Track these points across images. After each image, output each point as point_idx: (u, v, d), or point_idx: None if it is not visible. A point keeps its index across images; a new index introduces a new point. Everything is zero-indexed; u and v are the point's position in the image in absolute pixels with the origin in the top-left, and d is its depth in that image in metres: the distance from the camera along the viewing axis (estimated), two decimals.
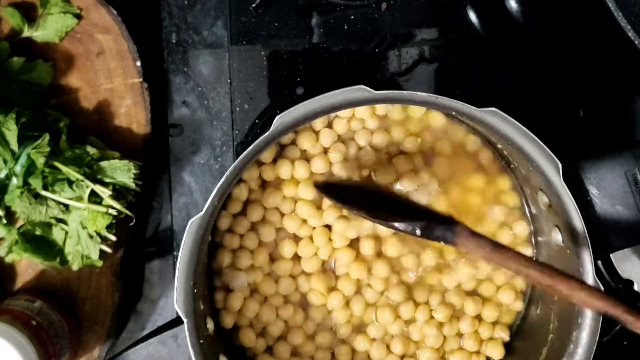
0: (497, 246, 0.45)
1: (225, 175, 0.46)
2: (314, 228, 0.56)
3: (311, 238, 0.56)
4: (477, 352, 0.58)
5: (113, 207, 0.55)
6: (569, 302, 0.51)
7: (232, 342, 0.57)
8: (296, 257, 0.57)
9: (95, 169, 0.55)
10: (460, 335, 0.58)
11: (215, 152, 0.62)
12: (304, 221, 0.56)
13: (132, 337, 0.62)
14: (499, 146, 0.56)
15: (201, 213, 0.46)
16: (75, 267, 0.56)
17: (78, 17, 0.58)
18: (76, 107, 0.59)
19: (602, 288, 0.48)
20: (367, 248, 0.56)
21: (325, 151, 0.56)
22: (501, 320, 0.59)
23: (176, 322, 0.50)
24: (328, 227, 0.56)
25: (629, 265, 0.62)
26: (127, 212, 0.56)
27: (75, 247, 0.56)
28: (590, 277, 0.48)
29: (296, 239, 0.56)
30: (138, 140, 0.59)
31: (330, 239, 0.56)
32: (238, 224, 0.55)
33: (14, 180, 0.54)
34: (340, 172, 0.56)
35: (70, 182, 0.55)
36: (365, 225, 0.56)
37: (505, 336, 0.58)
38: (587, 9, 0.54)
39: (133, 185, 0.56)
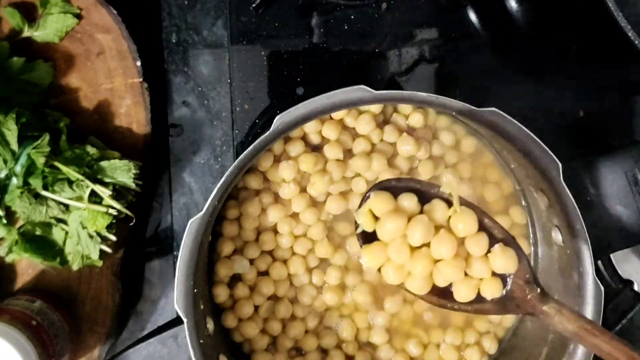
0: (586, 323, 0.42)
1: (225, 175, 0.46)
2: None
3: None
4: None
5: (113, 207, 0.55)
6: (569, 302, 0.51)
7: (232, 342, 0.57)
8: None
9: (95, 169, 0.55)
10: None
11: (215, 152, 0.62)
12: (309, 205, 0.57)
13: (132, 337, 0.62)
14: (499, 146, 0.56)
15: (201, 213, 0.46)
16: (75, 267, 0.56)
17: (78, 17, 0.58)
18: (76, 107, 0.59)
19: (602, 288, 0.48)
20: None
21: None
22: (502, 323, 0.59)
23: (176, 322, 0.50)
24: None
25: (629, 265, 0.62)
26: (127, 212, 0.56)
27: (75, 247, 0.56)
28: (590, 277, 0.48)
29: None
30: (138, 140, 0.59)
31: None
32: (248, 210, 0.56)
33: (14, 180, 0.54)
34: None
35: (70, 182, 0.55)
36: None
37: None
38: (587, 8, 0.54)
39: (133, 185, 0.56)
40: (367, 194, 0.44)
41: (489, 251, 0.43)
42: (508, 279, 0.43)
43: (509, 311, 0.44)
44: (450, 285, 0.44)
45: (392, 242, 0.43)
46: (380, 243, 0.43)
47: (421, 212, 0.43)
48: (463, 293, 0.43)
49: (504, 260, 0.42)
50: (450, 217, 0.43)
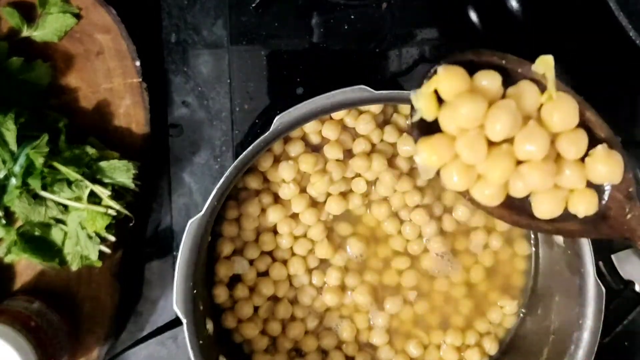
0: None
1: (225, 175, 0.46)
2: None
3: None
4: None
5: (112, 208, 0.55)
6: (569, 303, 0.51)
7: (231, 343, 0.57)
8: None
9: (94, 169, 0.55)
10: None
11: (215, 152, 0.62)
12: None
13: (132, 338, 0.62)
14: None
15: (201, 213, 0.46)
16: (74, 267, 0.56)
17: (77, 16, 0.58)
18: (76, 107, 0.59)
19: (603, 289, 0.48)
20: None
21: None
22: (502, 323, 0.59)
23: (175, 322, 0.50)
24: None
25: (630, 265, 0.62)
26: (127, 212, 0.56)
27: (74, 247, 0.56)
28: (591, 278, 0.48)
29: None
30: (138, 140, 0.59)
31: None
32: (248, 211, 0.56)
33: (13, 181, 0.54)
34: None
35: (70, 183, 0.54)
36: None
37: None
38: (588, 8, 0.53)
39: (132, 186, 0.56)
40: (433, 69, 0.34)
41: (586, 154, 0.33)
42: (605, 192, 0.34)
43: (599, 233, 0.35)
44: (528, 197, 0.34)
45: (463, 135, 0.32)
46: (443, 135, 0.33)
47: (503, 96, 0.33)
48: (546, 207, 0.33)
49: (607, 167, 0.32)
50: (542, 105, 0.33)
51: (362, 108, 0.56)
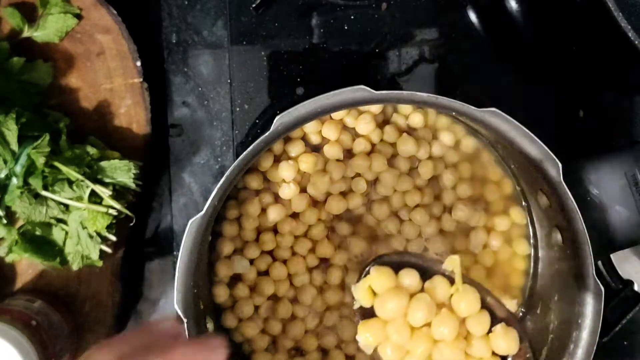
0: None
1: (225, 175, 0.46)
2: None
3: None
4: None
5: (113, 207, 0.55)
6: (568, 302, 0.51)
7: (231, 342, 0.57)
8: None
9: (95, 169, 0.55)
10: None
11: (215, 152, 0.62)
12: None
13: None
14: (499, 146, 0.56)
15: (201, 213, 0.46)
16: (75, 267, 0.56)
17: (78, 17, 0.58)
18: (76, 107, 0.59)
19: (602, 288, 0.48)
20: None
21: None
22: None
23: None
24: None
25: (629, 265, 0.62)
26: (127, 212, 0.56)
27: (75, 247, 0.56)
28: (590, 277, 0.48)
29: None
30: (138, 140, 0.59)
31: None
32: (248, 210, 0.56)
33: (14, 180, 0.54)
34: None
35: (70, 182, 0.55)
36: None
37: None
38: (587, 9, 0.54)
39: (133, 185, 0.56)
40: (367, 269, 0.45)
41: (489, 330, 0.43)
42: (508, 358, 0.44)
43: None
44: None
45: (392, 321, 0.43)
46: (378, 320, 0.44)
47: (422, 289, 0.44)
48: None
49: (505, 342, 0.43)
50: (452, 295, 0.43)
51: (362, 108, 0.56)
